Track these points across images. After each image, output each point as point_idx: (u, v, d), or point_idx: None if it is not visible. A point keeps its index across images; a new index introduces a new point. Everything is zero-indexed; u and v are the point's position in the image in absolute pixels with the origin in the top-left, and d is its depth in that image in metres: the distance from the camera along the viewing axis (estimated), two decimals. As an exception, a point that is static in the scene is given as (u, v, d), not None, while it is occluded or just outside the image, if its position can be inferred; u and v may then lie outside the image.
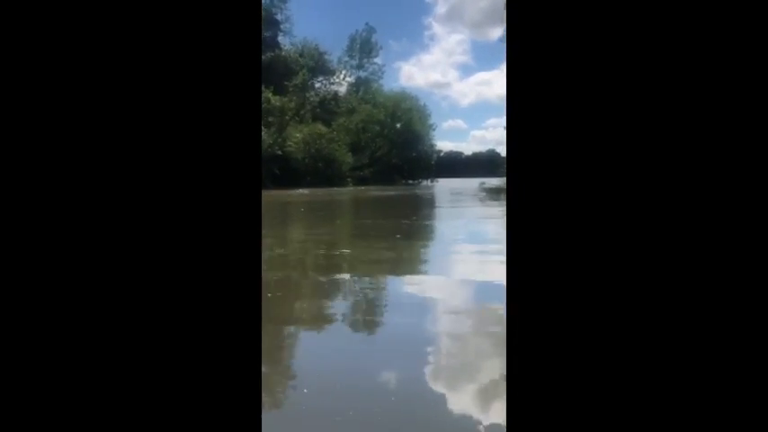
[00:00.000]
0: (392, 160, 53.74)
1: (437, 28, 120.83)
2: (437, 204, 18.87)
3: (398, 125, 55.22)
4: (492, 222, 10.95)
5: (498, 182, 29.30)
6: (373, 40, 59.38)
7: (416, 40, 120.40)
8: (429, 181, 58.77)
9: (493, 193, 24.36)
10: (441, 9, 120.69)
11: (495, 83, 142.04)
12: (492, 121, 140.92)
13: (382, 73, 60.14)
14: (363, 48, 59.21)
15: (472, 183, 50.90)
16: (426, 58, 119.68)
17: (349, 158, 47.35)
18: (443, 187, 41.16)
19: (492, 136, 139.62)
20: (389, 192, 31.09)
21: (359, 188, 37.68)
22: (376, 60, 59.43)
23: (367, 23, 60.02)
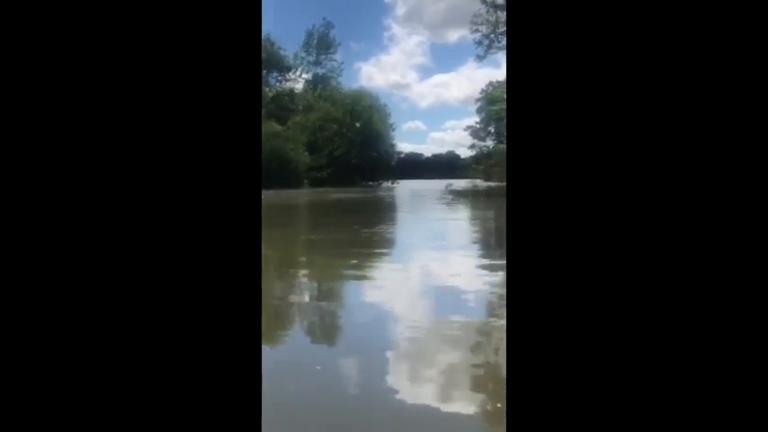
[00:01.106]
0: (351, 160, 51.33)
1: (396, 29, 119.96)
2: (404, 210, 16.67)
3: (358, 124, 52.80)
4: (464, 231, 8.84)
5: (466, 183, 27.39)
6: (331, 35, 56.97)
7: (376, 41, 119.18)
8: (390, 182, 56.61)
9: (461, 196, 22.43)
10: (400, 10, 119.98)
11: (453, 85, 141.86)
12: (451, 123, 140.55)
13: (341, 70, 57.78)
14: (321, 43, 56.66)
15: (434, 184, 49.30)
16: (386, 58, 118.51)
17: (305, 158, 44.66)
18: (406, 189, 39.09)
19: (451, 138, 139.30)
20: (349, 194, 28.76)
21: (316, 190, 35.10)
22: (334, 57, 57.13)
23: (324, 18, 57.17)
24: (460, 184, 25.78)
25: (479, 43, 25.34)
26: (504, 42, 27.05)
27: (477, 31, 25.17)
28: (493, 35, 24.52)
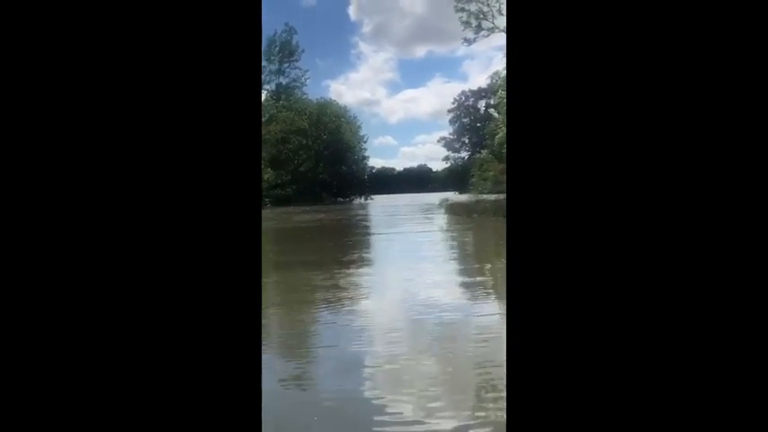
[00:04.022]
0: (319, 175, 46.61)
1: (363, 47, 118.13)
2: (389, 240, 11.98)
3: (325, 136, 48.14)
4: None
5: (467, 198, 22.57)
6: (294, 42, 52.45)
7: (344, 58, 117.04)
8: (362, 198, 52.01)
9: (462, 212, 17.70)
10: (366, 28, 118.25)
11: (422, 100, 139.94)
12: (421, 137, 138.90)
13: (306, 79, 53.14)
14: (283, 50, 52.04)
15: (410, 199, 44.94)
16: (354, 76, 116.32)
17: (268, 174, 39.66)
18: (381, 206, 34.51)
19: (421, 152, 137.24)
20: (316, 214, 24.04)
21: (279, 210, 30.12)
22: (298, 65, 52.50)
23: (287, 24, 52.56)
24: (460, 198, 20.88)
25: (467, 24, 20.87)
26: (496, 22, 23.76)
27: (462, 9, 20.69)
28: (482, 15, 20.06)
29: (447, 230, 13.31)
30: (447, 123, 64.04)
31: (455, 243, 10.77)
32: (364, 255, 9.08)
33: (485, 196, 20.00)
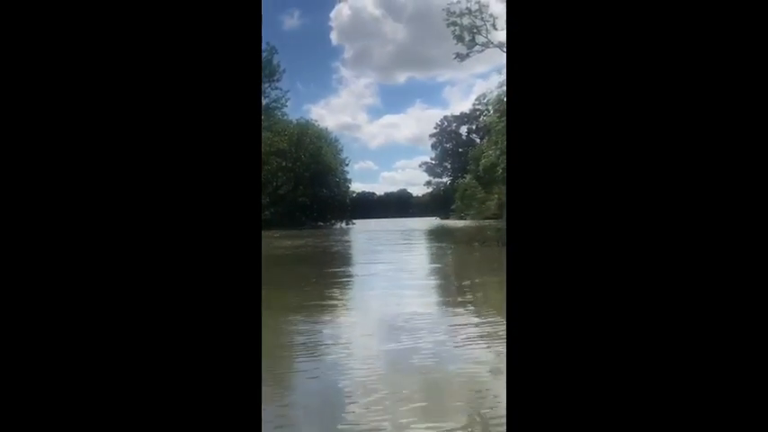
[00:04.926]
0: (298, 198, 44.84)
1: (345, 72, 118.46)
2: (391, 285, 10.22)
3: (305, 157, 46.52)
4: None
5: (464, 224, 20.95)
6: (275, 62, 51.16)
7: (325, 83, 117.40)
8: (344, 223, 50.27)
9: (461, 241, 16.10)
10: (348, 53, 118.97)
11: (402, 125, 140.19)
12: (401, 162, 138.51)
13: (286, 100, 51.74)
14: (264, 70, 50.78)
15: (393, 225, 43.41)
16: (335, 101, 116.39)
17: (244, 196, 37.61)
18: (364, 231, 32.84)
19: (402, 177, 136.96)
20: (296, 239, 22.28)
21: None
22: (278, 85, 51.13)
23: (267, 43, 51.25)
24: (453, 224, 19.25)
25: (460, 38, 19.58)
26: (490, 36, 22.62)
27: (454, 24, 19.44)
28: (475, 29, 18.84)
29: (462, 267, 11.62)
30: (427, 149, 63.58)
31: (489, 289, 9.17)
32: (363, 316, 7.41)
33: (486, 222, 18.49)
